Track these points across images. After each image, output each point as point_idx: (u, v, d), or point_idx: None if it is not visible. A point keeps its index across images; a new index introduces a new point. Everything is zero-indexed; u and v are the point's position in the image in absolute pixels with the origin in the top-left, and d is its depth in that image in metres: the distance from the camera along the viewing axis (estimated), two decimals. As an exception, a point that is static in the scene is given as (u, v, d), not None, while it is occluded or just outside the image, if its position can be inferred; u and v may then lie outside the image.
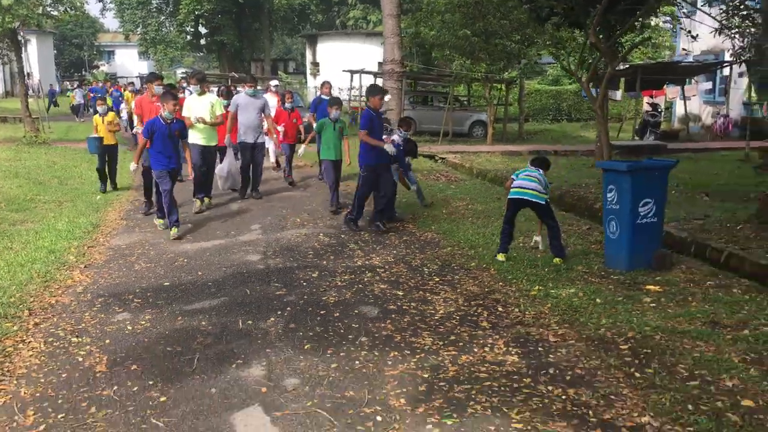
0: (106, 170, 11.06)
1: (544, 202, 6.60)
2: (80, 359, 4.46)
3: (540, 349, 4.52)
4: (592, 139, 19.04)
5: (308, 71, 40.53)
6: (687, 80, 21.08)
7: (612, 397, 3.80)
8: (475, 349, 4.52)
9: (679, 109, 23.34)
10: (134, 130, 10.78)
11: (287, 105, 11.87)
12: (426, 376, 4.12)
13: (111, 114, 11.24)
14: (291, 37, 60.13)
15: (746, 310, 5.12)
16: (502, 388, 3.94)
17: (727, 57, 14.85)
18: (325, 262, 6.80)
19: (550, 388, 3.93)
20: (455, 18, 18.31)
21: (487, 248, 7.06)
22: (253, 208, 9.72)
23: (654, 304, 5.29)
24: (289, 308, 5.41)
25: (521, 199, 6.60)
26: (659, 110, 20.80)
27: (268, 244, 7.61)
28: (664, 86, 21.66)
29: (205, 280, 6.23)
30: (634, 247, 6.18)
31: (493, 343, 4.62)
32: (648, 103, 21.70)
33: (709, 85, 21.47)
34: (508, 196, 6.78)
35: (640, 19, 11.54)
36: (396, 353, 4.48)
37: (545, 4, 11.19)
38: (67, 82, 61.74)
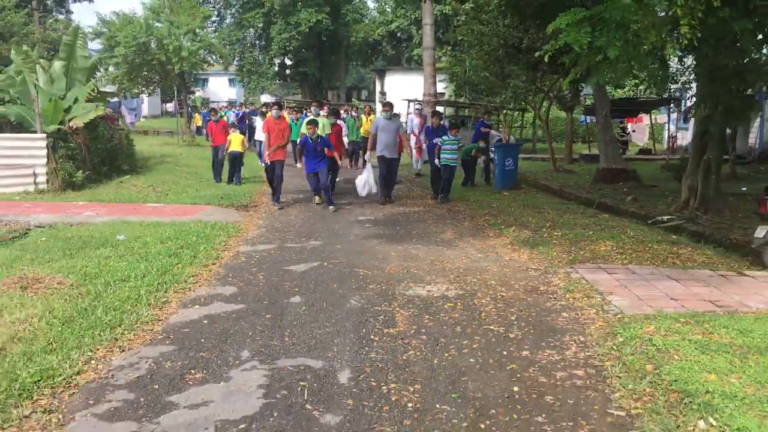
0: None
1: (453, 165, 14.42)
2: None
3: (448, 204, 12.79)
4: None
5: (377, 99, 48.94)
6: (651, 111, 28.67)
7: (457, 209, 12.03)
8: (420, 202, 12.84)
9: (655, 133, 30.85)
10: (264, 159, 12.70)
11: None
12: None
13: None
14: (364, 68, 67.86)
15: (532, 200, 13.09)
16: (422, 215, 12.24)
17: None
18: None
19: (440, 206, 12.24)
20: (479, 63, 26.16)
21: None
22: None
23: (499, 196, 13.42)
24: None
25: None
26: (627, 132, 28.38)
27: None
28: (639, 114, 29.26)
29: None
30: (503, 179, 14.32)
31: (427, 200, 12.92)
32: (619, 126, 29.30)
33: (665, 116, 29.14)
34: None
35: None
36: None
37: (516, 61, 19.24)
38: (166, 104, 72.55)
